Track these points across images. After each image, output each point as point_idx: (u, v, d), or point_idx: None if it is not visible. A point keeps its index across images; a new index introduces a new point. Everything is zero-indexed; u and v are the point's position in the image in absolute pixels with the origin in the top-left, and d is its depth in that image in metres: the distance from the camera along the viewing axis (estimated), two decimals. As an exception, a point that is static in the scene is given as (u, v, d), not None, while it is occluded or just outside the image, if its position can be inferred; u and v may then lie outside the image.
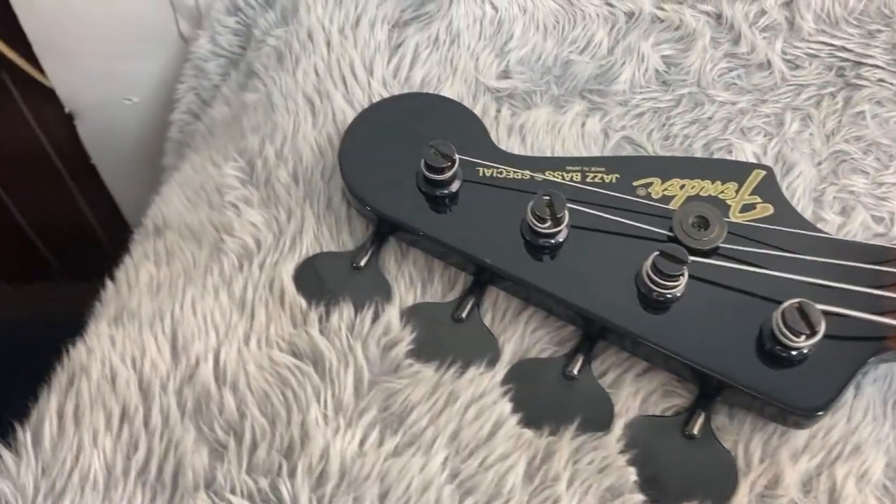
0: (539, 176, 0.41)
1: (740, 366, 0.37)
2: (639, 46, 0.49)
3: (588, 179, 0.41)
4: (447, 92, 0.47)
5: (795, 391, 0.36)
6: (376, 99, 0.47)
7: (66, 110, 0.74)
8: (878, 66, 0.49)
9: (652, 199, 0.41)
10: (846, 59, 0.49)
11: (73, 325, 0.43)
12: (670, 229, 0.39)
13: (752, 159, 0.45)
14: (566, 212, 0.39)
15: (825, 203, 0.44)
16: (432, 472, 0.36)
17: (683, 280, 0.37)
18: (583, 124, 0.47)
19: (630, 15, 0.51)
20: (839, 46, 0.50)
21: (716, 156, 0.46)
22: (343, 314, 0.40)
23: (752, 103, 0.48)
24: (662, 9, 0.51)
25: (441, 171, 0.40)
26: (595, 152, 0.46)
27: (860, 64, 0.49)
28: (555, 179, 0.41)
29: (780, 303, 0.36)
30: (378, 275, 0.41)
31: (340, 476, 0.36)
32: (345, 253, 0.42)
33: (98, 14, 0.64)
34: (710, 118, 0.47)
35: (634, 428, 0.37)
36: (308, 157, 0.45)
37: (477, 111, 0.45)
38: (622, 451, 0.37)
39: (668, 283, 0.37)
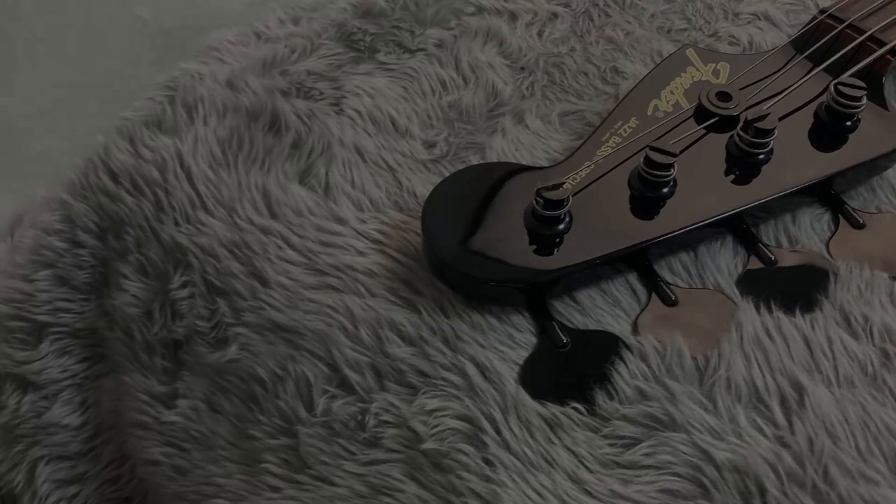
0: (598, 158, 0.42)
1: (844, 152, 0.43)
2: (476, 59, 0.51)
3: (627, 135, 0.43)
4: (419, 189, 0.44)
5: (883, 138, 0.43)
6: (386, 230, 0.42)
7: None
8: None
9: (668, 113, 0.44)
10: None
11: None
12: (707, 116, 0.43)
13: (633, 72, 0.51)
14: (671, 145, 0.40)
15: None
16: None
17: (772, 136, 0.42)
18: (527, 127, 0.47)
19: (439, 45, 0.52)
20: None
21: (615, 80, 0.50)
22: (631, 369, 0.36)
23: (580, 41, 0.53)
24: (450, 28, 0.53)
25: (561, 203, 0.38)
26: (558, 137, 0.47)
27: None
28: (609, 152, 0.42)
29: (821, 96, 0.43)
30: (590, 332, 0.38)
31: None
32: (540, 345, 0.38)
33: None
34: (579, 67, 0.51)
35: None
36: (401, 319, 0.39)
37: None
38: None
39: (762, 140, 0.41)
